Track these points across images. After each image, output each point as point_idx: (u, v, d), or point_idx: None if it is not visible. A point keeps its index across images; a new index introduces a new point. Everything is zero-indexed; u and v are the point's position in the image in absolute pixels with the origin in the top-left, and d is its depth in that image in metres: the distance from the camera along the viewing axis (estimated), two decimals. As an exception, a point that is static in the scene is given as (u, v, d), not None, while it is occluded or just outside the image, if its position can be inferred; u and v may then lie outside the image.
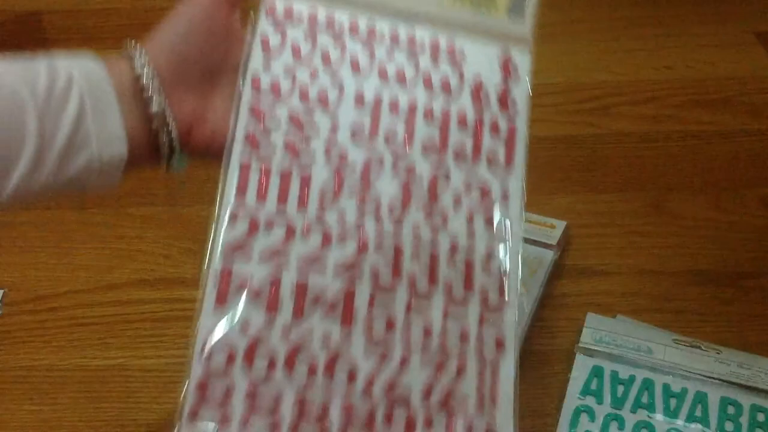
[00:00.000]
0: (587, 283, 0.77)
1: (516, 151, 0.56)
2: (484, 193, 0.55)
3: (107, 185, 0.52)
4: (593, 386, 0.67)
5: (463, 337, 0.52)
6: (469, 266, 0.53)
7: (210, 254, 0.51)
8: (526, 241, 0.77)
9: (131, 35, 1.08)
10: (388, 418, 0.50)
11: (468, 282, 0.53)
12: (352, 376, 0.50)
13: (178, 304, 0.75)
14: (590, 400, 0.66)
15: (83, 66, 0.51)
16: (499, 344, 0.52)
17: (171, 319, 0.74)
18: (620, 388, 0.66)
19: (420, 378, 0.51)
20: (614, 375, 0.67)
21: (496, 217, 0.54)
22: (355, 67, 0.56)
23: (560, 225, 0.79)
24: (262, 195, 0.52)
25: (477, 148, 0.55)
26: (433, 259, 0.53)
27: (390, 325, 0.51)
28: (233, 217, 0.52)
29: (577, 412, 0.65)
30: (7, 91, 0.48)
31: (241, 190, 0.52)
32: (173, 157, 0.54)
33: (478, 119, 0.56)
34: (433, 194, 0.54)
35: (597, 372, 0.67)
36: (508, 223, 0.54)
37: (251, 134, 0.53)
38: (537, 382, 0.68)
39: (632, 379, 0.67)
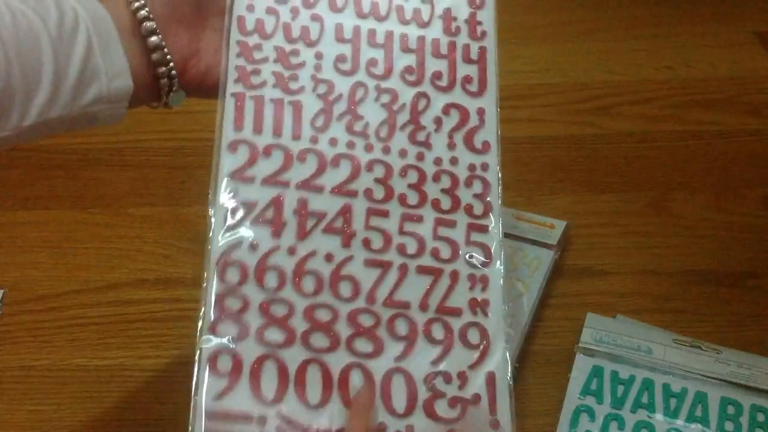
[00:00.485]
0: (587, 283, 0.77)
1: (488, 72, 0.61)
2: (463, 114, 0.60)
3: (115, 118, 0.55)
4: (593, 386, 0.67)
5: (454, 248, 0.56)
6: (454, 181, 0.58)
7: (215, 184, 0.55)
8: (526, 241, 0.77)
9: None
10: (391, 325, 0.54)
11: (454, 196, 0.58)
12: (355, 290, 0.54)
13: (178, 304, 0.75)
14: (590, 400, 0.66)
15: (87, 4, 0.53)
16: (487, 252, 0.56)
17: (171, 319, 0.74)
18: (620, 388, 0.66)
19: (418, 288, 0.55)
20: (614, 375, 0.67)
21: (476, 136, 0.59)
22: (332, 4, 0.60)
23: (560, 225, 0.79)
24: (258, 124, 0.57)
25: (452, 73, 0.60)
26: (421, 177, 0.58)
27: (387, 240, 0.55)
28: (233, 147, 0.56)
29: (577, 412, 0.65)
30: (24, 23, 0.50)
31: (238, 120, 0.56)
32: (172, 91, 0.58)
33: (450, 46, 0.61)
34: (415, 117, 0.59)
35: (597, 372, 0.67)
36: (485, 138, 0.59)
37: (242, 68, 0.58)
38: (537, 381, 0.68)
39: (632, 379, 0.67)
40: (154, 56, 0.56)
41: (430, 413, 0.52)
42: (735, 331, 0.72)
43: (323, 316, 0.53)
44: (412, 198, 0.57)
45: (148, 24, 0.55)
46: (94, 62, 0.53)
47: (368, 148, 0.57)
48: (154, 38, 0.55)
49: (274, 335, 0.52)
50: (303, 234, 0.55)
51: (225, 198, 0.54)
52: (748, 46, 1.01)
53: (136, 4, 0.55)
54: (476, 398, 0.53)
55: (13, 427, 0.67)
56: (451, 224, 0.57)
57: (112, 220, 0.83)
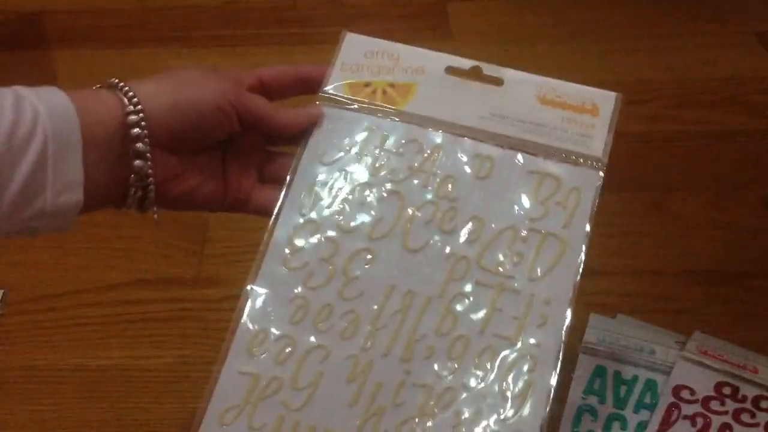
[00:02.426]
0: (587, 283, 0.76)
1: None
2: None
3: (59, 230, 0.50)
4: (596, 386, 0.67)
5: None
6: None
7: None
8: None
9: (131, 35, 1.08)
10: None
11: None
12: None
13: (178, 304, 0.75)
14: (593, 400, 0.66)
15: (55, 102, 0.47)
16: None
17: (171, 319, 0.74)
18: (623, 388, 0.66)
19: None
20: (617, 375, 0.67)
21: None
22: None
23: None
24: None
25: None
26: None
27: None
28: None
29: (580, 412, 0.65)
30: None
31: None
32: (143, 206, 0.53)
33: None
34: None
35: (600, 372, 0.67)
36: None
37: None
38: (538, 382, 0.68)
39: (635, 379, 0.67)
40: (133, 177, 0.50)
41: None
42: (735, 331, 0.72)
43: None
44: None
45: (140, 146, 0.49)
46: (41, 176, 0.46)
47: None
48: (138, 162, 0.50)
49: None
50: None
51: None
52: (748, 46, 1.01)
53: (132, 118, 0.49)
54: None
55: (13, 427, 0.67)
56: None
57: (112, 220, 0.83)
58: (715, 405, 0.65)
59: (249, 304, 0.53)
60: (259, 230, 0.81)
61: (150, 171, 0.51)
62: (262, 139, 0.58)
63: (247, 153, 0.57)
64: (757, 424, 0.64)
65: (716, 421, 0.64)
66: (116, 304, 0.75)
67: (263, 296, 0.53)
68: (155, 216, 0.54)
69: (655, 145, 0.89)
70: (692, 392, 0.65)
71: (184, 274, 0.78)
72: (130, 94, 0.49)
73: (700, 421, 0.64)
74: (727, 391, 0.65)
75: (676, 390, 0.65)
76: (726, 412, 0.64)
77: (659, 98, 0.95)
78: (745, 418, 0.64)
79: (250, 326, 0.52)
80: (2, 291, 0.76)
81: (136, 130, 0.49)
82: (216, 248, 0.80)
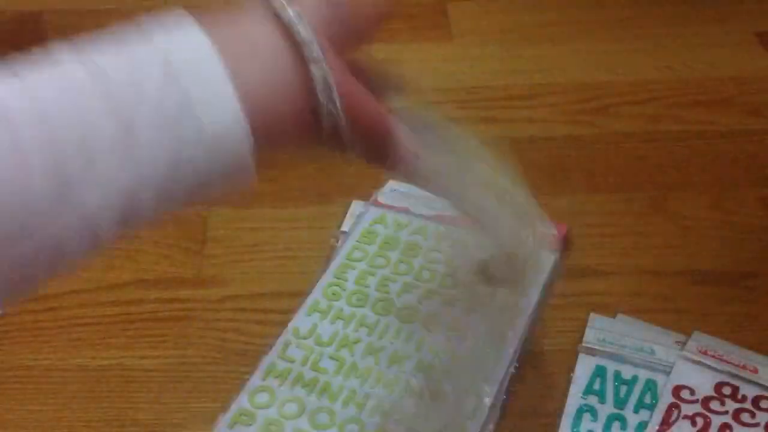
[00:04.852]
0: (587, 283, 0.76)
1: None
2: None
3: (241, 180, 0.43)
4: (596, 386, 0.67)
5: None
6: None
7: None
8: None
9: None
10: None
11: None
12: None
13: (178, 304, 0.75)
14: (593, 400, 0.66)
15: (187, 37, 0.42)
16: None
17: (171, 319, 0.74)
18: (623, 388, 0.66)
19: None
20: (617, 375, 0.67)
21: None
22: None
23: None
24: None
25: None
26: None
27: None
28: None
29: (580, 412, 0.65)
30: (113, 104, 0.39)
31: None
32: (340, 136, 0.44)
33: None
34: None
35: (600, 372, 0.67)
36: None
37: None
38: (537, 382, 0.68)
39: (635, 379, 0.67)
40: (316, 94, 0.43)
41: None
42: (735, 330, 0.72)
43: None
44: None
45: (315, 50, 0.42)
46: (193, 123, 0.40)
47: None
48: (317, 68, 0.42)
49: None
50: None
51: None
52: (748, 46, 1.01)
53: (290, 14, 0.42)
54: None
55: (13, 427, 0.67)
56: None
57: (112, 220, 0.83)
58: (715, 405, 0.65)
59: None
60: (260, 230, 0.81)
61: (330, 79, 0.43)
62: None
63: None
64: (757, 424, 0.64)
65: (716, 420, 0.64)
66: (116, 304, 0.75)
67: None
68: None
69: (655, 145, 0.89)
70: (692, 392, 0.65)
71: (184, 274, 0.78)
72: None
73: (700, 421, 0.64)
74: (726, 391, 0.65)
75: (676, 390, 0.65)
76: (726, 412, 0.64)
77: (659, 98, 0.95)
78: (745, 418, 0.64)
79: None
80: (2, 291, 0.76)
81: (300, 31, 0.42)
82: (216, 248, 0.80)
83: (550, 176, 0.86)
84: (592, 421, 0.65)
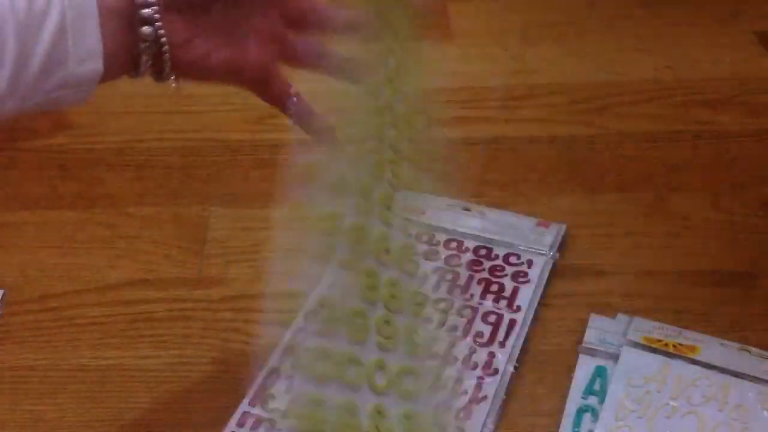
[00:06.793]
0: (587, 283, 0.76)
1: None
2: None
3: (79, 101, 0.51)
4: (596, 386, 0.67)
5: None
6: None
7: None
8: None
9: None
10: None
11: None
12: None
13: (178, 304, 0.75)
14: (593, 400, 0.66)
15: None
16: None
17: (171, 319, 0.74)
18: (623, 388, 0.66)
19: None
20: (617, 375, 0.67)
21: None
22: None
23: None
24: None
25: None
26: None
27: None
28: None
29: (581, 412, 0.65)
30: None
31: None
32: (162, 75, 0.53)
33: None
34: None
35: (600, 372, 0.67)
36: None
37: None
38: (538, 382, 0.68)
39: (635, 379, 0.67)
40: (144, 45, 0.51)
41: None
42: (736, 330, 0.72)
43: None
44: None
45: (147, 12, 0.51)
46: (62, 46, 0.48)
47: None
48: (146, 28, 0.51)
49: None
50: None
51: None
52: (748, 46, 1.01)
53: None
54: None
55: (13, 427, 0.67)
56: None
57: (112, 220, 0.83)
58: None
59: None
60: (260, 230, 0.81)
61: (162, 38, 0.51)
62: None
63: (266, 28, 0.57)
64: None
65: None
66: (116, 304, 0.75)
67: None
68: (173, 85, 0.54)
69: (655, 145, 0.89)
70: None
71: (184, 274, 0.78)
72: None
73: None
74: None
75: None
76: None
77: (659, 98, 0.95)
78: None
79: None
80: (2, 291, 0.76)
81: None
82: (216, 248, 0.80)
83: (550, 176, 0.86)
84: (592, 421, 0.65)
